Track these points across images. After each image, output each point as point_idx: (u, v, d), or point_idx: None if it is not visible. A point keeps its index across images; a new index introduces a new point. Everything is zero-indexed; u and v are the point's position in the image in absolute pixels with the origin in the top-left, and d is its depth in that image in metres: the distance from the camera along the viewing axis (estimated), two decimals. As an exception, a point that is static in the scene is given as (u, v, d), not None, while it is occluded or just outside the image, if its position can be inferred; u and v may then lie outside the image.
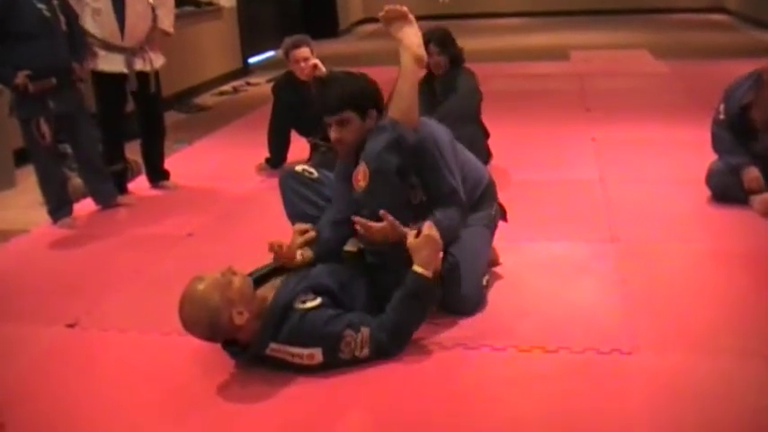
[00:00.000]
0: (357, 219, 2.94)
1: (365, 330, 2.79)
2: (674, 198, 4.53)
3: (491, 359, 2.88)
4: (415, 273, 2.84)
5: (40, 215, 4.85)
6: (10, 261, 4.31)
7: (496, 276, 3.52)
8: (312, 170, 3.49)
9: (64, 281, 3.93)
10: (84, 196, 5.09)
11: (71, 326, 3.38)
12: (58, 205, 4.79)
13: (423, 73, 3.05)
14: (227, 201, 5.11)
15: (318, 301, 2.82)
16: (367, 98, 3.05)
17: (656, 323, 3.07)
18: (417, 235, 2.85)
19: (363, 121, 3.03)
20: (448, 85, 4.99)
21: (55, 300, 3.68)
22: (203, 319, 2.69)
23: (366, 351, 2.79)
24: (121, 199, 5.13)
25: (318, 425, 2.57)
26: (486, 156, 5.06)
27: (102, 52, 4.93)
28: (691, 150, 5.16)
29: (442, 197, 3.12)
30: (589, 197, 4.65)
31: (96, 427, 2.67)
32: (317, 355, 2.75)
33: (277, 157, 5.68)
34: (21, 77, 4.38)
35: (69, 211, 4.84)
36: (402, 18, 3.15)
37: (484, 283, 3.33)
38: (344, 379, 2.77)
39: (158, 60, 5.22)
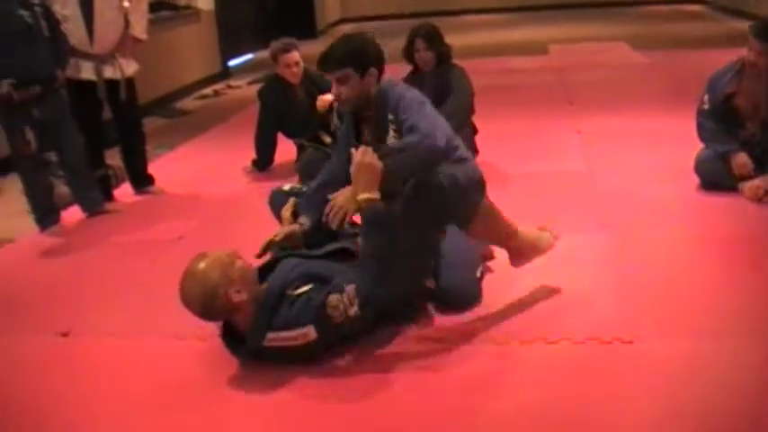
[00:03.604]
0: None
1: (350, 287, 2.73)
2: (662, 187, 4.53)
3: (493, 353, 2.87)
4: (363, 200, 2.79)
5: (27, 223, 4.80)
6: (-1, 270, 4.28)
7: (492, 270, 3.50)
8: (299, 186, 3.50)
9: (55, 289, 3.89)
10: (71, 204, 5.04)
11: (65, 334, 3.34)
12: (45, 214, 4.75)
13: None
14: (215, 204, 5.08)
15: (309, 286, 2.82)
16: (366, 57, 3.07)
17: (655, 310, 3.07)
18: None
19: (362, 78, 3.06)
20: (440, 82, 4.96)
21: (47, 308, 3.65)
22: (199, 295, 2.70)
23: (356, 308, 2.71)
24: (108, 206, 5.09)
25: (320, 424, 2.55)
26: (473, 152, 5.05)
27: (71, 60, 4.88)
28: (676, 140, 5.17)
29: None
30: (578, 188, 4.65)
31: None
32: (309, 332, 2.73)
33: (264, 160, 5.67)
34: (4, 86, 4.34)
35: (56, 219, 4.81)
36: None
37: (478, 274, 3.32)
38: (343, 381, 2.76)
39: (130, 68, 5.16)
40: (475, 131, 5.20)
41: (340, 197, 2.87)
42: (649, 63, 9.11)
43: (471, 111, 5.06)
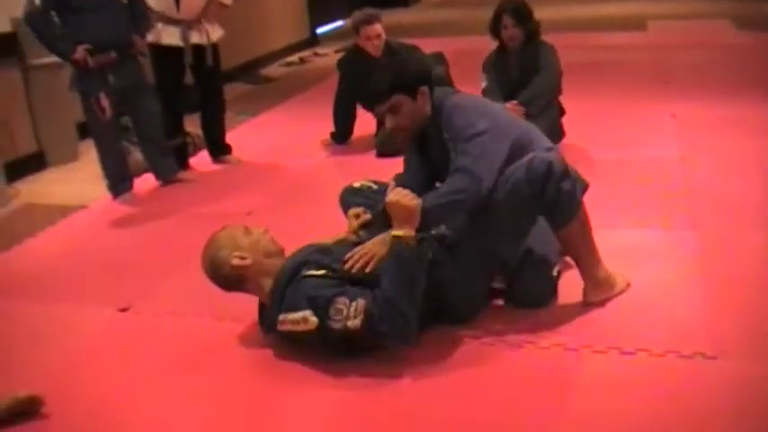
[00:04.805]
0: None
1: (361, 301, 2.58)
2: (762, 183, 4.21)
3: (562, 360, 2.68)
4: (397, 236, 2.66)
5: (101, 189, 4.81)
6: (68, 238, 4.27)
7: (569, 267, 3.28)
8: (371, 184, 3.35)
9: (120, 261, 3.87)
10: (145, 171, 5.01)
11: (124, 310, 3.29)
12: (118, 180, 4.75)
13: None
14: (289, 177, 4.98)
15: (323, 272, 2.71)
16: (412, 77, 2.97)
17: (743, 323, 2.81)
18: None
19: (415, 100, 2.94)
20: (527, 60, 4.75)
21: (110, 281, 3.62)
22: (207, 259, 2.84)
23: (357, 321, 2.55)
24: (182, 174, 5.05)
25: (368, 426, 2.42)
26: (559, 135, 4.83)
27: (158, 25, 4.84)
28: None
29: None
30: (668, 179, 4.36)
31: (139, 416, 2.56)
32: (309, 318, 2.60)
33: (342, 132, 5.57)
34: (80, 52, 4.31)
35: (129, 187, 4.79)
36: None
37: (554, 273, 3.11)
38: (401, 382, 2.62)
39: (215, 33, 5.10)
40: (562, 113, 4.98)
41: (370, 243, 2.78)
42: (754, 44, 8.61)
43: (559, 91, 4.84)
